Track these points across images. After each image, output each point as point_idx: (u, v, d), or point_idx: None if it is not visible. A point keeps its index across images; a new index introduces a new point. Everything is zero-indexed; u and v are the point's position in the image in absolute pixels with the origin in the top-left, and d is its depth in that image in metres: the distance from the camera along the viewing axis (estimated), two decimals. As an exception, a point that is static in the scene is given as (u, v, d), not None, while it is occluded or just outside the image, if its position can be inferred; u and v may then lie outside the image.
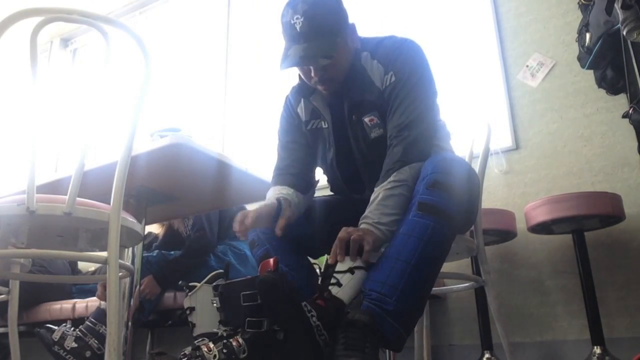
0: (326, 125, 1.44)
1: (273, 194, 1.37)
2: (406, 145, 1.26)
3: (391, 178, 1.22)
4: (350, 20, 1.42)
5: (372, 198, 1.23)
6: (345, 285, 1.14)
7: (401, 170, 1.22)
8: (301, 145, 1.49)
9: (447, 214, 1.14)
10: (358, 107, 1.38)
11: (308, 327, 1.05)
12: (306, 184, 1.45)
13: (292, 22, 1.29)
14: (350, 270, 1.15)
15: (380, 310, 1.06)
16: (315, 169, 1.53)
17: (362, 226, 1.20)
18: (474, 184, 1.35)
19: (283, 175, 1.44)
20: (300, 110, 1.49)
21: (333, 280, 1.15)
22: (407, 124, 1.28)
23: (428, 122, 1.31)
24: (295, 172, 1.44)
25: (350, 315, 1.06)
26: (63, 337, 1.73)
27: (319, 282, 1.19)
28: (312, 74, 1.34)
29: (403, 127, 1.28)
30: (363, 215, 1.22)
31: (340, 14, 1.35)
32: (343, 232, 1.16)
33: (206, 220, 2.25)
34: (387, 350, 1.85)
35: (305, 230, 1.42)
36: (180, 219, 2.35)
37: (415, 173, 1.22)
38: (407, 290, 1.08)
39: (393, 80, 1.33)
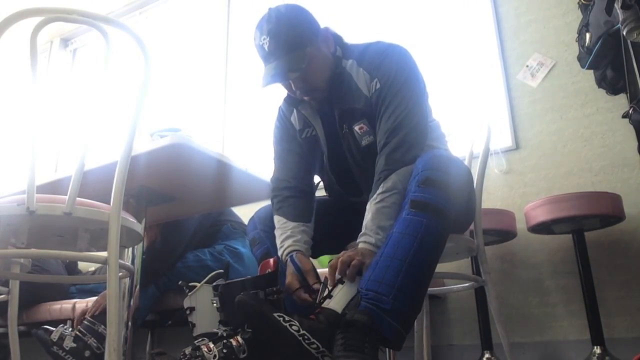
0: (317, 133, 1.46)
1: (283, 241, 1.36)
2: (390, 152, 1.26)
3: (379, 190, 1.23)
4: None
5: (366, 212, 1.24)
6: (335, 295, 1.15)
7: (387, 179, 1.23)
8: (297, 154, 1.49)
9: (440, 210, 1.14)
10: (347, 116, 1.39)
11: (285, 335, 1.05)
12: (307, 195, 1.46)
13: (261, 43, 1.33)
14: (340, 281, 1.17)
15: (378, 310, 1.06)
16: (313, 175, 1.54)
17: (360, 245, 1.21)
18: (467, 179, 1.36)
19: (286, 198, 1.43)
20: (294, 119, 1.51)
21: (325, 293, 1.17)
22: (393, 129, 1.29)
23: (413, 125, 1.30)
24: (294, 185, 1.45)
25: (349, 316, 1.06)
26: (62, 337, 1.73)
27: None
28: (293, 87, 1.37)
29: (389, 132, 1.29)
30: (361, 232, 1.23)
31: (306, 25, 1.36)
32: (345, 257, 1.17)
33: (164, 230, 2.20)
34: (387, 350, 1.85)
35: None
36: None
37: (404, 177, 1.22)
38: (404, 288, 1.08)
39: (378, 87, 1.34)
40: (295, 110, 1.50)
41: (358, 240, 1.23)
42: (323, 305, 1.15)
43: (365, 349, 1.02)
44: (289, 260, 1.32)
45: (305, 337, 1.06)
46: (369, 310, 1.06)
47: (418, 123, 1.31)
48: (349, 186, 1.49)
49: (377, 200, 1.22)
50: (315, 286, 1.24)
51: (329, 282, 1.19)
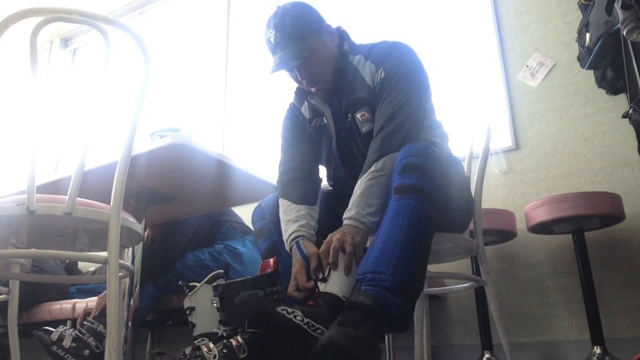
0: (327, 121, 1.52)
1: (288, 225, 1.37)
2: (384, 136, 1.32)
3: (372, 168, 1.28)
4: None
5: (355, 190, 1.28)
6: (330, 279, 1.17)
7: (379, 160, 1.28)
8: (306, 141, 1.55)
9: (423, 190, 1.16)
10: (352, 105, 1.45)
11: (291, 326, 1.06)
12: (313, 178, 1.50)
13: (268, 37, 1.44)
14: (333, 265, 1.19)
15: (379, 289, 1.06)
16: (319, 164, 1.59)
17: (344, 222, 1.24)
18: (451, 164, 1.40)
19: (291, 180, 1.46)
20: (304, 109, 1.58)
21: (320, 277, 1.20)
22: (391, 114, 1.34)
23: (409, 113, 1.35)
24: (299, 164, 1.50)
25: (353, 298, 1.07)
26: (61, 337, 1.74)
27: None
28: (299, 77, 1.45)
29: (387, 117, 1.35)
30: (347, 209, 1.26)
31: (308, 19, 1.46)
32: (335, 243, 1.19)
33: (164, 230, 2.21)
34: (387, 349, 1.86)
35: None
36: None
37: (394, 162, 1.25)
38: (401, 262, 1.08)
39: (382, 76, 1.41)
40: (305, 102, 1.56)
41: (344, 216, 1.25)
42: (320, 290, 1.16)
43: (361, 327, 1.01)
44: (294, 246, 1.33)
45: (310, 324, 1.07)
46: (371, 292, 1.06)
47: (414, 111, 1.36)
48: (354, 173, 1.52)
49: (368, 177, 1.27)
50: (309, 285, 1.24)
51: (323, 267, 1.20)
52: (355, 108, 1.44)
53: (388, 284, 1.06)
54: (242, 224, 2.39)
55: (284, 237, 1.37)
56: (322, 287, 1.17)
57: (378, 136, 1.33)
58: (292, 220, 1.37)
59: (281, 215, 1.42)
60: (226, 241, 2.30)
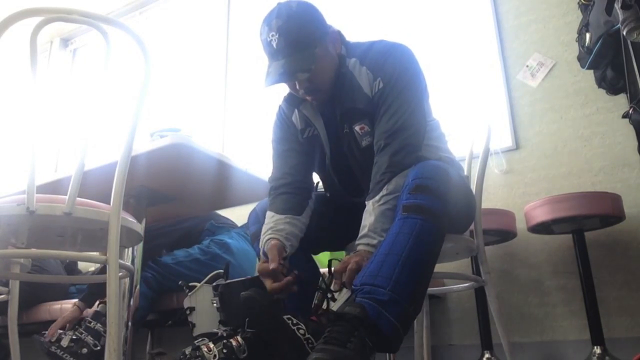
0: (318, 133, 1.44)
1: (264, 234, 1.35)
2: (392, 154, 1.25)
3: (383, 192, 1.22)
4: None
5: (366, 213, 1.23)
6: (339, 299, 1.16)
7: (390, 181, 1.22)
8: (297, 153, 1.47)
9: (433, 212, 1.12)
10: (349, 116, 1.37)
11: (292, 338, 1.06)
12: (303, 192, 1.44)
13: (269, 39, 1.29)
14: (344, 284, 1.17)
15: (374, 303, 1.02)
16: (312, 174, 1.52)
17: (359, 247, 1.20)
18: (460, 183, 1.36)
19: (279, 194, 1.42)
20: (295, 119, 1.48)
21: (329, 296, 1.18)
22: (395, 130, 1.27)
23: (415, 128, 1.29)
24: (290, 181, 1.43)
25: (340, 309, 1.04)
26: (59, 338, 1.74)
27: (314, 301, 1.20)
28: (297, 87, 1.34)
29: (390, 134, 1.28)
30: (362, 234, 1.21)
31: (316, 24, 1.33)
32: (341, 264, 1.17)
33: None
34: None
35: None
36: None
37: (403, 181, 1.22)
38: (402, 280, 1.04)
39: (381, 86, 1.32)
40: (296, 110, 1.47)
41: (358, 242, 1.21)
42: (327, 308, 1.16)
43: (349, 343, 0.96)
44: (261, 250, 1.31)
45: (310, 340, 1.07)
46: (363, 304, 1.02)
47: (419, 125, 1.31)
48: (351, 186, 1.48)
49: (381, 202, 1.21)
50: (273, 265, 1.21)
51: (334, 285, 1.18)
52: (352, 120, 1.36)
53: (386, 297, 1.02)
54: (226, 222, 2.43)
55: (260, 245, 1.34)
56: (331, 305, 1.15)
57: (384, 154, 1.27)
58: (269, 229, 1.34)
59: (263, 227, 1.38)
60: (212, 236, 2.33)
